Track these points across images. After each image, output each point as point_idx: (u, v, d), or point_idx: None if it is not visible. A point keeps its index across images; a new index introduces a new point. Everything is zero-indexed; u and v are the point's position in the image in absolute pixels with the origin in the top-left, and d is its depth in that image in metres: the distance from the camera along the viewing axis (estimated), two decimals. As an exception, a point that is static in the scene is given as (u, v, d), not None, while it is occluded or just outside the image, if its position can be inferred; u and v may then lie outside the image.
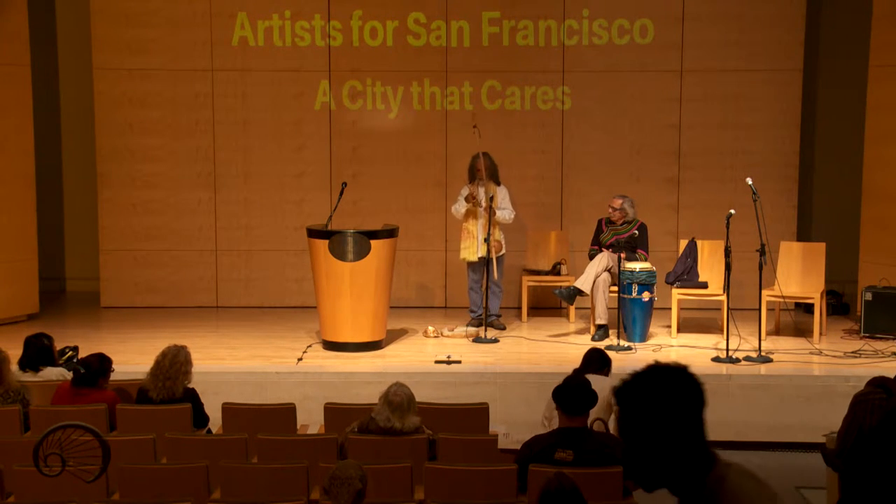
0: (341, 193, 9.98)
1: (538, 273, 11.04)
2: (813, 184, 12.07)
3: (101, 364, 7.17)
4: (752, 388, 8.62)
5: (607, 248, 10.01)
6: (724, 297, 9.71)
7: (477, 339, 9.93)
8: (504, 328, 10.36)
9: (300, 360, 9.19)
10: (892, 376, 5.96)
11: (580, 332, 10.35)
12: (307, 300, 10.96)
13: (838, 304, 11.30)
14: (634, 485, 5.53)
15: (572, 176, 11.58)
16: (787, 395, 8.58)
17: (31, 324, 10.47)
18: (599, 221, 10.29)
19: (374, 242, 9.28)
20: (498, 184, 10.22)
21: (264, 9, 11.48)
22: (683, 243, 10.47)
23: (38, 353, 7.77)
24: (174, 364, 7.00)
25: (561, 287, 10.17)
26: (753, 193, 9.22)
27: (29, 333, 7.99)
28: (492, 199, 10.01)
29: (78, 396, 7.02)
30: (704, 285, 10.20)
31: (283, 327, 10.57)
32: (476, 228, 10.12)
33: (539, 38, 11.46)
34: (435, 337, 10.06)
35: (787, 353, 9.39)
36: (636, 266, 9.73)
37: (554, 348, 9.73)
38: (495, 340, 9.91)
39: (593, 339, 9.85)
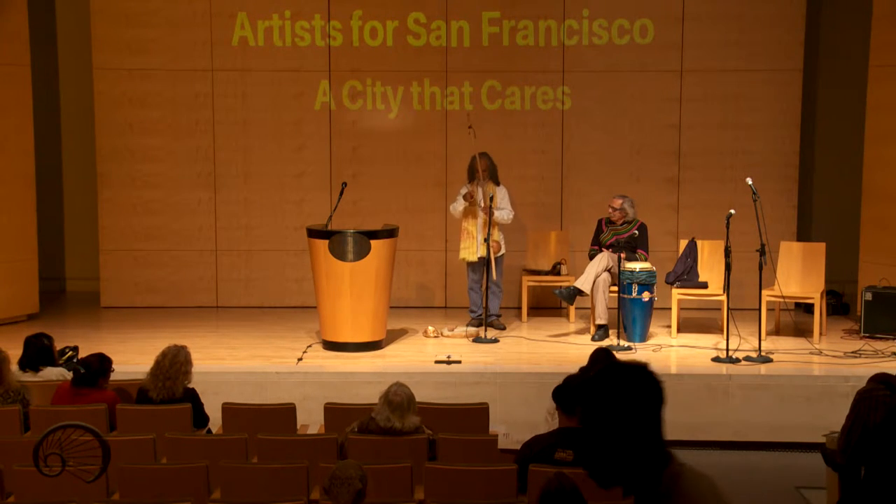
0: (341, 193, 9.98)
1: (538, 273, 11.04)
2: (813, 184, 12.07)
3: (101, 364, 7.18)
4: (752, 388, 8.62)
5: (607, 248, 10.00)
6: (724, 297, 9.70)
7: (477, 339, 9.93)
8: (504, 328, 10.36)
9: (300, 360, 9.19)
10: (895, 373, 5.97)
11: (580, 332, 10.35)
12: (307, 300, 10.96)
13: (838, 304, 11.30)
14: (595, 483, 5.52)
15: (572, 176, 11.58)
16: (787, 395, 8.58)
17: (31, 324, 10.47)
18: (599, 221, 10.29)
19: (374, 242, 9.28)
20: (497, 184, 10.22)
21: (264, 9, 11.48)
22: (683, 243, 10.47)
23: (38, 353, 7.78)
24: (174, 364, 7.00)
25: (561, 287, 10.17)
26: (753, 193, 9.22)
27: (29, 333, 7.99)
28: (491, 199, 10.01)
29: (78, 396, 7.02)
30: (704, 285, 10.20)
31: (283, 327, 10.57)
32: (475, 229, 10.12)
33: (539, 38, 11.46)
34: (435, 337, 10.06)
35: (787, 353, 9.39)
36: (636, 266, 9.73)
37: (554, 348, 9.73)
38: (495, 340, 9.91)
39: (593, 339, 9.86)
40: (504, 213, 10.13)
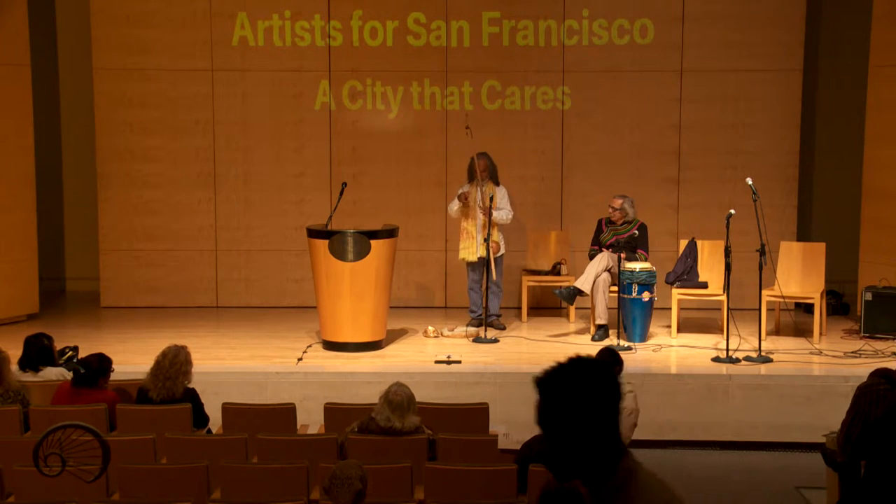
0: (341, 193, 9.98)
1: (538, 273, 11.04)
2: (813, 184, 12.07)
3: (100, 364, 7.18)
4: (752, 388, 8.62)
5: (607, 248, 10.00)
6: (724, 297, 9.70)
7: (477, 339, 9.93)
8: (504, 328, 10.36)
9: (300, 360, 9.19)
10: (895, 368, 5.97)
11: (580, 332, 10.35)
12: (307, 300, 10.96)
13: (838, 304, 11.30)
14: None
15: (572, 176, 11.58)
16: (787, 395, 8.58)
17: (31, 324, 10.47)
18: (599, 221, 10.29)
19: (374, 242, 9.28)
20: (497, 184, 10.22)
21: (264, 9, 11.48)
22: (683, 243, 10.47)
23: (38, 353, 7.78)
24: (174, 364, 7.00)
25: (561, 287, 10.17)
26: (753, 193, 9.22)
27: (29, 333, 7.99)
28: (491, 199, 10.01)
29: (78, 396, 7.02)
30: (704, 285, 10.20)
31: (283, 327, 10.57)
32: (475, 229, 10.12)
33: (539, 38, 11.46)
34: (435, 337, 10.06)
35: (787, 353, 9.39)
36: (636, 266, 9.73)
37: (554, 348, 9.73)
38: (495, 340, 9.91)
39: (593, 339, 9.86)
40: (503, 213, 10.13)
